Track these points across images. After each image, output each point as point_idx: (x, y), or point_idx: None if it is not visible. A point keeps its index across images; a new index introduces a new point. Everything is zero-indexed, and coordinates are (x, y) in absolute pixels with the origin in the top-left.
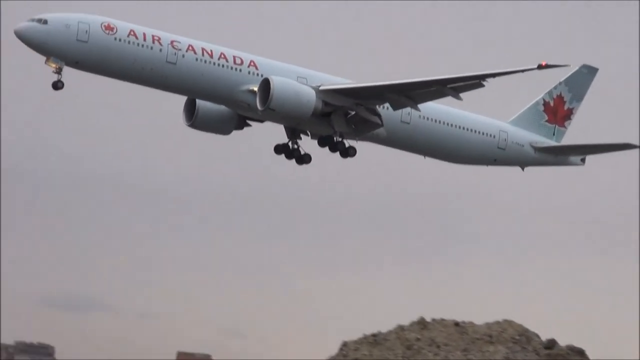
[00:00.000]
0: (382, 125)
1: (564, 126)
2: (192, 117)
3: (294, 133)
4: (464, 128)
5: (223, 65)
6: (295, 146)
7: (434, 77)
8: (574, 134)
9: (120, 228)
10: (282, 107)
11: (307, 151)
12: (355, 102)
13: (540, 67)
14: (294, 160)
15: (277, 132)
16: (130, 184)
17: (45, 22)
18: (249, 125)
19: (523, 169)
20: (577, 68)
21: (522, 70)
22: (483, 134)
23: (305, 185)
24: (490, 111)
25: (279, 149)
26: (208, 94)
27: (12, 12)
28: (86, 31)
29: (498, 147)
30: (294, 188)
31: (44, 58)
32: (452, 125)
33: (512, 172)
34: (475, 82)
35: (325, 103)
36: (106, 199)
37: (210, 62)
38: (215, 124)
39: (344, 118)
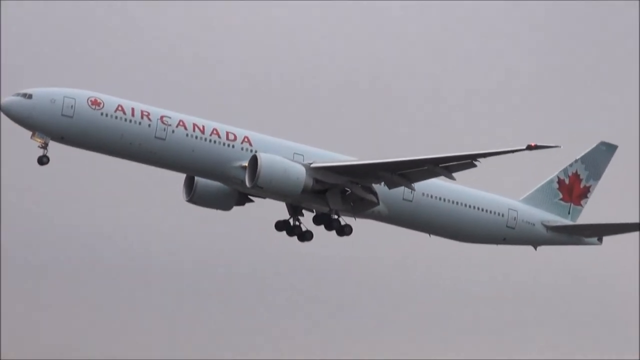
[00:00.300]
0: (378, 203)
1: (580, 205)
2: (191, 192)
3: (295, 209)
4: (469, 206)
5: (215, 141)
6: (297, 223)
7: (423, 157)
8: (590, 213)
9: (110, 309)
10: (270, 184)
11: (309, 228)
12: (349, 180)
13: (529, 147)
14: (295, 238)
15: (279, 208)
16: (122, 263)
17: (30, 96)
18: (250, 200)
19: (536, 249)
20: (594, 145)
21: (512, 151)
22: (490, 212)
23: (305, 264)
24: (502, 189)
25: (280, 225)
26: (199, 170)
27: (12, 12)
28: (72, 106)
29: (507, 226)
30: (295, 266)
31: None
32: (457, 203)
33: (522, 252)
34: (467, 161)
35: (317, 181)
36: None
37: (201, 137)
38: (214, 200)
39: (340, 196)
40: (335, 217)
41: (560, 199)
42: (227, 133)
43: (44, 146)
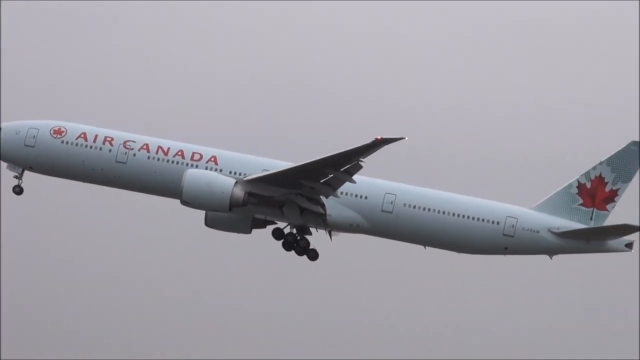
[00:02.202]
0: (325, 214)
1: (606, 209)
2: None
3: (301, 228)
4: (458, 215)
5: (178, 162)
6: (300, 239)
7: (288, 166)
8: (621, 218)
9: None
10: (195, 199)
11: (314, 246)
12: (286, 192)
13: (375, 142)
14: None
15: None
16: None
17: None
18: (273, 222)
19: (551, 258)
20: (623, 146)
21: (361, 148)
22: (483, 220)
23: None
24: (521, 196)
25: (277, 233)
26: (165, 192)
27: (12, 12)
28: (34, 136)
29: (503, 234)
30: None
31: None
32: (443, 212)
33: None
34: (354, 163)
35: (251, 194)
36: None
37: (163, 159)
38: (228, 223)
39: (292, 209)
40: (293, 232)
41: (581, 204)
42: (193, 153)
43: (19, 176)
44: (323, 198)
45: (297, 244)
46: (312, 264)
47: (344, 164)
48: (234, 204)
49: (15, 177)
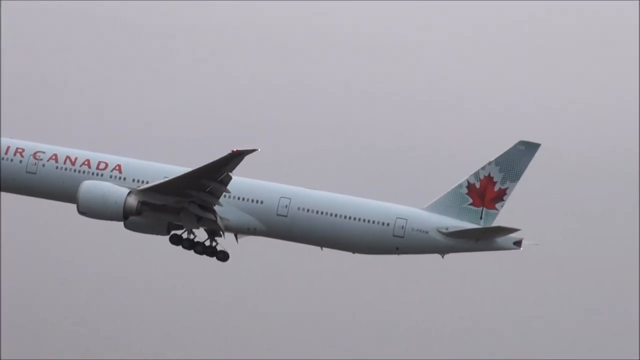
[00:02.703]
0: (216, 220)
1: (495, 208)
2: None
3: (211, 231)
4: (349, 217)
5: (84, 172)
6: (214, 244)
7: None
8: (511, 216)
9: None
10: (90, 210)
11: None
12: (178, 200)
13: (232, 154)
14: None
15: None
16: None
17: None
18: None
19: (443, 257)
20: (511, 146)
21: (221, 161)
22: (373, 222)
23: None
24: (415, 197)
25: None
26: (73, 200)
27: (12, 12)
28: None
29: (394, 235)
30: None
31: None
32: (335, 215)
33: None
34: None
35: (144, 202)
36: None
37: (70, 169)
38: (145, 226)
39: (190, 215)
40: (190, 236)
41: (470, 204)
42: (99, 162)
43: None
44: (220, 204)
45: (197, 248)
46: (221, 264)
47: (215, 175)
48: (128, 213)
49: None
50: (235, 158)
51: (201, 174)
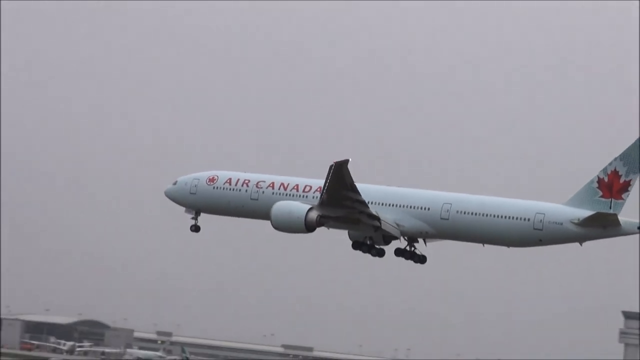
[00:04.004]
0: (380, 227)
1: (622, 198)
2: None
3: (410, 238)
4: (496, 216)
5: (293, 195)
6: (412, 248)
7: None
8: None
9: None
10: (280, 225)
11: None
12: (347, 211)
13: (332, 167)
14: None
15: None
16: None
17: (175, 183)
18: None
19: (581, 244)
20: (632, 142)
21: (331, 178)
22: (516, 218)
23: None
24: (554, 194)
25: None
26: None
27: (12, 12)
28: (195, 185)
29: (534, 229)
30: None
31: None
32: (485, 215)
33: None
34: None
35: (322, 216)
36: None
37: (283, 193)
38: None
39: (366, 224)
40: (369, 242)
41: (601, 197)
42: (305, 186)
43: (195, 217)
44: (390, 212)
45: (373, 252)
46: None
47: (340, 188)
48: (309, 226)
49: (192, 218)
50: (339, 170)
51: (331, 190)
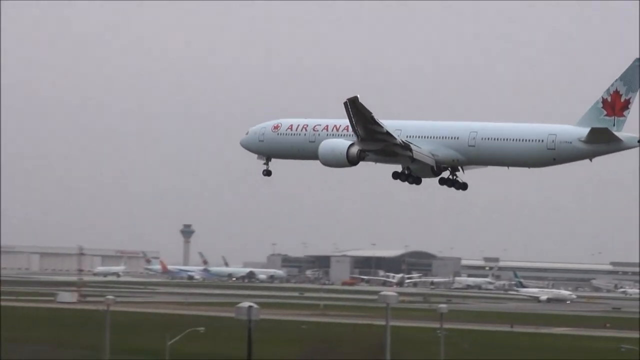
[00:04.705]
0: (412, 157)
1: (624, 115)
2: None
3: (440, 168)
4: (515, 140)
5: (344, 135)
6: (454, 177)
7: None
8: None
9: None
10: (326, 160)
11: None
12: (383, 145)
13: (345, 103)
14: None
15: None
16: None
17: (247, 132)
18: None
19: (591, 160)
20: (630, 63)
21: (349, 115)
22: (532, 140)
23: None
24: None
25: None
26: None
27: (12, 12)
28: (263, 133)
29: (548, 149)
30: None
31: None
32: (505, 139)
33: None
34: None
35: (363, 150)
36: None
37: (336, 134)
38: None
39: (403, 156)
40: (406, 171)
41: (605, 116)
42: (347, 126)
43: (266, 163)
44: (426, 143)
45: (410, 180)
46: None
47: (363, 123)
48: (351, 160)
49: (264, 163)
50: (353, 106)
51: (358, 125)
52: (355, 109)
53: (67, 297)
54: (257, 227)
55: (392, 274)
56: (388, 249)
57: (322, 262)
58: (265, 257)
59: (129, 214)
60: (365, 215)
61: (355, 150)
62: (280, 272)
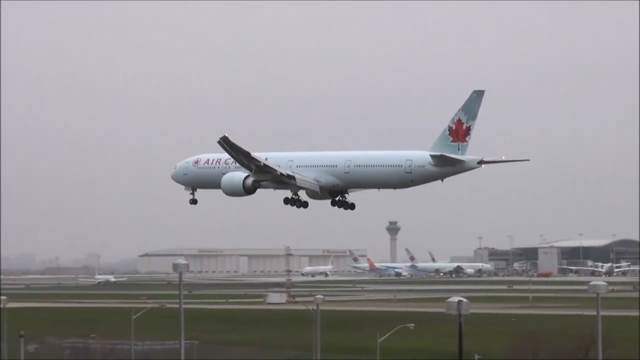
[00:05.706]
0: (295, 185)
1: (466, 141)
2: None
3: (331, 192)
4: (380, 165)
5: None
6: (343, 198)
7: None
8: (476, 146)
9: None
10: (227, 191)
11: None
12: (267, 176)
13: (220, 142)
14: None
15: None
16: None
17: (175, 167)
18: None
19: (442, 181)
20: (469, 94)
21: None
22: (393, 166)
23: None
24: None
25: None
26: None
27: (12, 12)
28: (186, 168)
29: (405, 172)
30: None
31: None
32: (372, 165)
33: None
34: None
35: (256, 180)
36: None
37: (231, 168)
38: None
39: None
40: (296, 197)
41: (451, 141)
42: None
43: (192, 193)
44: (309, 170)
45: (297, 204)
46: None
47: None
48: (247, 189)
49: (190, 193)
50: (225, 145)
51: (240, 161)
52: (230, 146)
53: (276, 298)
54: (463, 221)
55: (600, 264)
56: (595, 239)
57: (529, 255)
58: (471, 252)
59: (332, 214)
60: (569, 205)
61: (250, 180)
62: (487, 266)
